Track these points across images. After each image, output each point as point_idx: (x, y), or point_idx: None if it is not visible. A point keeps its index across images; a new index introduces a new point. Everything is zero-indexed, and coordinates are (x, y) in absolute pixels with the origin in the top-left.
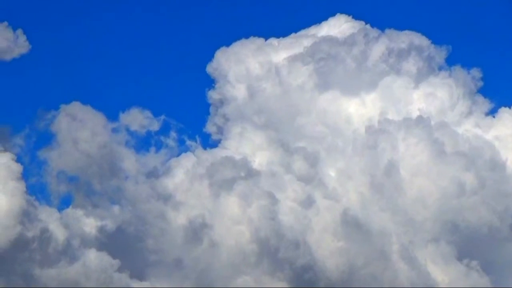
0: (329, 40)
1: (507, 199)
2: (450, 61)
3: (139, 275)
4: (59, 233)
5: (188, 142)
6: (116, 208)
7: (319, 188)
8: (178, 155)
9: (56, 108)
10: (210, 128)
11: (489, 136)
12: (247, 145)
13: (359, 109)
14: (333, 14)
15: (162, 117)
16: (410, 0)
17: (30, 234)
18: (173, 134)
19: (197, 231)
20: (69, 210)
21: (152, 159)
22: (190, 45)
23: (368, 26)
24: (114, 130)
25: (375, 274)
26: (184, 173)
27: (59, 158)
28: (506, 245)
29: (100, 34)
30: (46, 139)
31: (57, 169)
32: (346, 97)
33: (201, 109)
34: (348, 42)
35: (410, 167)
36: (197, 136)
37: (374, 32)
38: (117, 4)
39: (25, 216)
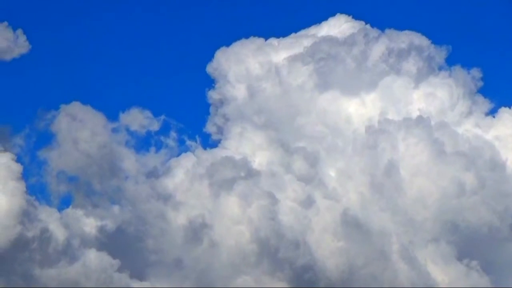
0: (329, 40)
1: (507, 199)
2: (450, 61)
3: (139, 275)
4: (59, 233)
5: (188, 142)
6: (116, 208)
7: (319, 188)
8: (178, 155)
9: (56, 108)
10: (210, 128)
11: (489, 136)
12: (247, 145)
13: (359, 109)
14: (333, 14)
15: (162, 117)
16: (410, 0)
17: (30, 234)
18: (173, 134)
19: (197, 231)
20: (69, 210)
21: (152, 159)
22: (190, 45)
23: (368, 26)
24: (114, 130)
25: (375, 274)
26: (184, 173)
27: (59, 158)
28: (506, 245)
29: (100, 34)
30: (46, 139)
31: (57, 169)
32: (346, 97)
33: (201, 109)
34: (348, 42)
35: (410, 167)
36: (197, 136)
37: (374, 32)
38: (117, 4)
39: (25, 216)
